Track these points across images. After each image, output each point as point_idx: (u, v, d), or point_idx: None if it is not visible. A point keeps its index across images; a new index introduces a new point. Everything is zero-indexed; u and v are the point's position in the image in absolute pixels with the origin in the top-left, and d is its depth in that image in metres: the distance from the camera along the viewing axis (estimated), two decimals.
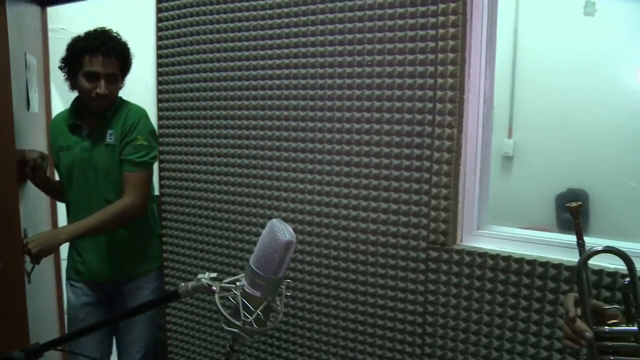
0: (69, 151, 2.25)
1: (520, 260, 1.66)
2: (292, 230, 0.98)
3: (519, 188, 3.64)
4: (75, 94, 2.29)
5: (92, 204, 2.22)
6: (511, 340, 1.69)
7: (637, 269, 1.45)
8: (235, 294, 1.00)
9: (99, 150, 2.23)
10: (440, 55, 1.70)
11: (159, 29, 2.29)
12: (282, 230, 0.97)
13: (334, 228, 1.94)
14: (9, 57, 2.04)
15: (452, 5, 1.67)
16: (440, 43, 1.69)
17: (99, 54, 2.10)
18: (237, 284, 1.01)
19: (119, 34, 2.22)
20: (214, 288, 1.03)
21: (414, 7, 1.73)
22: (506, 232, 1.77)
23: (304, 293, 2.03)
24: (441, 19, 1.69)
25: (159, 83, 2.31)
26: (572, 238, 1.65)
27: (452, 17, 1.67)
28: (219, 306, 1.00)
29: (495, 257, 1.69)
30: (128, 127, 2.24)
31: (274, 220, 0.99)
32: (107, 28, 2.21)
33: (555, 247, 1.66)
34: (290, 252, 0.97)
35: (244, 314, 0.98)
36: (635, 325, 1.13)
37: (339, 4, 1.85)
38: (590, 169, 3.34)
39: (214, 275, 1.06)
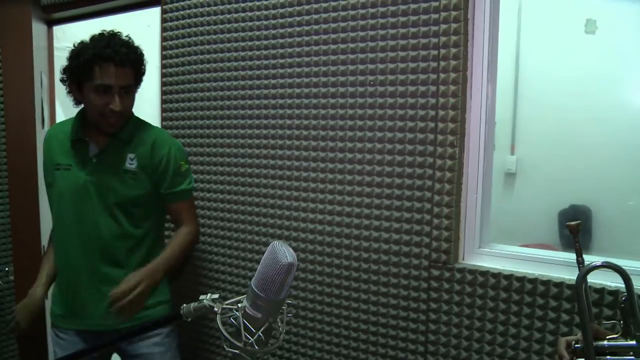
0: (69, 171, 1.90)
1: (521, 279, 1.66)
2: (293, 253, 0.99)
3: (521, 205, 3.64)
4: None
5: (90, 231, 1.88)
6: (513, 358, 1.68)
7: (637, 287, 1.49)
8: (236, 315, 1.00)
9: (113, 174, 1.89)
10: (442, 75, 1.71)
11: (163, 48, 2.31)
12: (283, 252, 0.98)
13: (337, 247, 1.95)
14: (34, 77, 2.10)
15: (453, 25, 1.69)
16: (442, 63, 1.71)
17: (112, 64, 1.77)
18: (239, 305, 1.02)
19: (130, 38, 1.89)
20: (215, 309, 1.04)
21: (416, 28, 1.75)
22: (508, 250, 1.77)
23: (306, 311, 2.03)
24: (443, 39, 1.71)
25: (163, 102, 2.33)
26: (573, 256, 1.64)
27: (453, 37, 1.69)
28: (220, 327, 1.01)
29: (497, 275, 1.69)
30: (165, 157, 1.93)
31: (275, 242, 1.00)
32: (116, 31, 1.91)
33: (556, 265, 1.67)
34: (292, 274, 0.98)
35: (245, 334, 0.99)
36: (634, 340, 1.14)
37: (342, 24, 1.88)
38: (592, 186, 3.34)
39: (215, 296, 1.07)
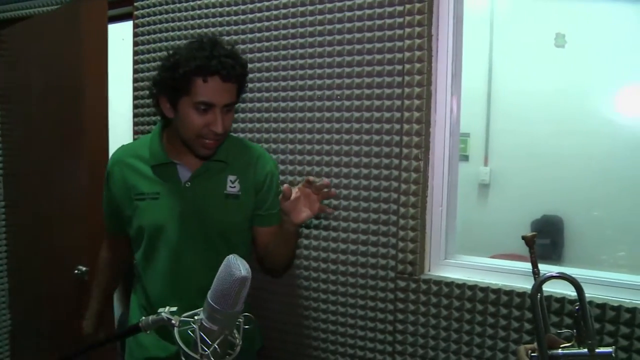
0: (156, 200, 1.62)
1: (485, 289, 1.69)
2: (247, 266, 1.01)
3: (495, 215, 3.69)
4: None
5: (189, 266, 1.66)
6: None
7: (599, 296, 1.53)
8: (194, 327, 1.02)
9: (213, 200, 1.65)
10: (406, 90, 1.75)
11: (135, 62, 2.33)
12: (237, 266, 1.00)
13: (305, 259, 1.97)
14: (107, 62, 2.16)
15: (417, 41, 1.73)
16: (407, 78, 1.75)
17: (218, 78, 1.50)
18: (196, 317, 1.04)
19: (233, 47, 1.61)
20: (173, 322, 1.05)
21: (381, 43, 1.78)
22: (473, 261, 1.81)
23: (275, 322, 2.04)
24: (407, 54, 1.74)
25: (135, 115, 2.34)
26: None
27: (417, 53, 1.73)
28: (177, 340, 1.02)
29: (462, 286, 1.72)
30: (269, 175, 1.73)
31: (231, 256, 1.02)
32: (216, 35, 1.66)
33: (520, 276, 1.70)
34: (246, 287, 0.99)
35: (201, 347, 1.00)
36: (586, 348, 1.17)
37: (309, 39, 1.91)
38: (564, 196, 3.40)
39: (174, 309, 1.09)
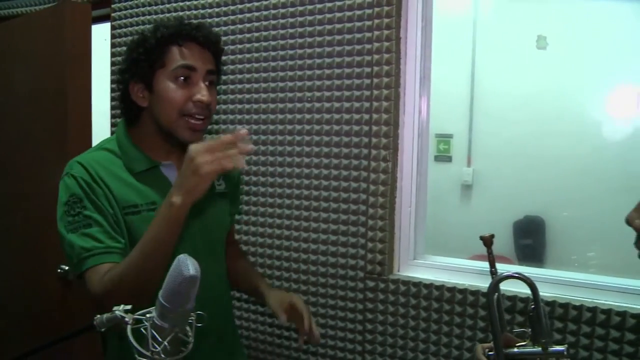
0: (154, 212, 1.33)
1: (452, 289, 1.71)
2: (197, 266, 1.02)
3: (478, 215, 3.72)
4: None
5: (206, 280, 1.33)
6: None
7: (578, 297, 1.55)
8: (146, 325, 1.03)
9: (209, 202, 1.45)
10: (375, 92, 1.77)
11: (112, 64, 2.35)
12: (187, 265, 1.01)
13: (277, 259, 1.99)
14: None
15: (385, 43, 1.75)
16: (375, 80, 1.77)
17: (195, 44, 1.34)
18: (148, 315, 1.05)
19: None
20: (126, 319, 1.07)
21: (350, 46, 1.80)
22: (441, 261, 1.83)
23: (249, 322, 2.06)
24: (375, 56, 1.76)
25: (113, 117, 2.36)
26: (503, 267, 1.73)
27: (385, 55, 1.75)
28: (130, 337, 1.03)
29: (429, 286, 1.74)
30: (238, 175, 1.65)
31: (181, 255, 1.03)
32: None
33: (487, 276, 1.70)
34: (195, 286, 1.01)
35: (152, 344, 1.01)
36: (540, 347, 1.19)
37: (281, 42, 1.93)
38: (546, 196, 3.43)
39: (128, 307, 1.10)
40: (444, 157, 3.81)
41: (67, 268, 2.26)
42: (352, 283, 1.85)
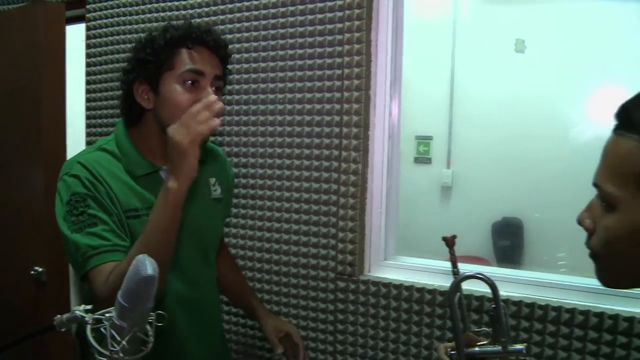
0: None
1: (421, 290, 1.73)
2: (156, 266, 1.03)
3: (457, 217, 3.74)
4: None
5: (195, 289, 1.47)
6: None
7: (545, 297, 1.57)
8: (106, 325, 1.04)
9: (204, 208, 1.47)
10: (345, 94, 1.78)
11: (87, 64, 2.35)
12: (145, 265, 1.01)
13: (248, 260, 1.99)
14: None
15: (356, 46, 1.76)
16: (346, 82, 1.78)
17: (204, 48, 1.32)
18: (107, 315, 1.05)
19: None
20: (86, 319, 1.07)
21: (322, 48, 1.82)
22: (412, 262, 1.84)
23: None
24: (346, 59, 1.78)
25: (87, 117, 2.36)
26: (473, 267, 1.75)
27: (356, 58, 1.76)
28: (89, 337, 1.04)
29: (399, 286, 1.76)
30: (233, 177, 1.67)
31: (140, 255, 1.04)
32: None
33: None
34: (153, 286, 1.01)
35: (111, 343, 1.02)
36: (499, 345, 1.21)
37: (254, 44, 1.94)
38: (524, 198, 3.46)
39: (89, 307, 1.10)
40: (423, 158, 3.84)
41: (40, 270, 2.26)
42: (323, 284, 1.86)
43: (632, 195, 0.75)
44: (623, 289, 0.89)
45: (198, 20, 2.03)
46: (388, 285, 1.77)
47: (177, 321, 1.43)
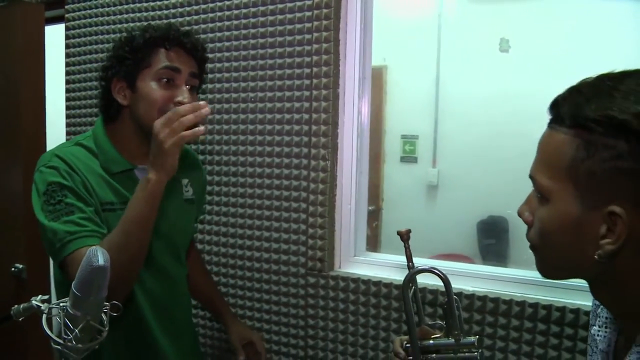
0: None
1: (389, 285, 1.76)
2: (107, 257, 1.06)
3: (443, 215, 3.77)
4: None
5: (165, 287, 1.50)
6: None
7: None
8: (61, 314, 1.07)
9: (175, 208, 1.49)
10: (314, 92, 1.81)
11: (67, 64, 2.37)
12: (97, 256, 1.04)
13: (223, 256, 2.02)
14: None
15: (324, 45, 1.79)
16: (315, 80, 1.81)
17: (181, 49, 1.37)
18: (62, 304, 1.08)
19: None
20: (42, 308, 1.10)
21: (291, 47, 1.84)
22: (381, 258, 1.87)
23: (197, 319, 2.09)
24: (315, 57, 1.80)
25: (67, 117, 2.38)
26: (443, 263, 1.77)
27: (324, 56, 1.79)
28: (44, 326, 1.07)
29: (367, 282, 1.79)
30: (205, 179, 1.73)
31: (92, 247, 1.07)
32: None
33: (425, 273, 1.76)
34: (105, 275, 1.04)
35: (65, 331, 1.05)
36: (452, 338, 1.23)
37: (227, 44, 1.97)
38: (509, 197, 3.46)
39: (46, 297, 1.13)
40: (409, 158, 3.87)
41: (21, 267, 2.29)
42: (293, 279, 1.89)
43: (563, 188, 0.77)
44: (560, 279, 0.91)
45: (173, 20, 2.06)
46: (357, 280, 1.80)
47: (148, 317, 1.46)
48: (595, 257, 0.74)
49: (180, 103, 1.32)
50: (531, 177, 0.86)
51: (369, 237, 3.72)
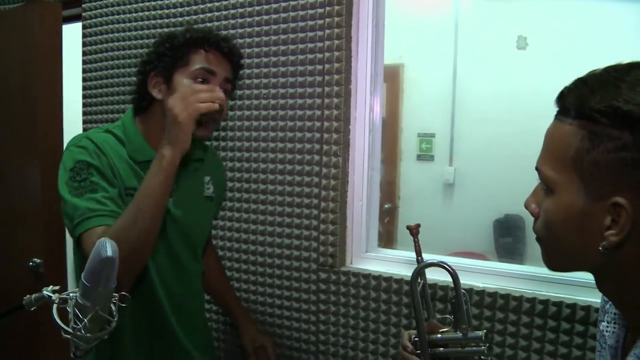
0: None
1: (400, 281, 1.76)
2: (116, 248, 1.07)
3: (459, 214, 3.75)
4: None
5: (181, 282, 1.52)
6: (395, 357, 1.78)
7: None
8: (70, 304, 1.09)
9: (195, 204, 1.54)
10: (326, 89, 1.82)
11: (83, 62, 2.41)
12: (105, 247, 1.06)
13: (237, 251, 2.04)
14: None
15: (336, 42, 1.80)
16: (327, 77, 1.82)
17: (219, 52, 1.42)
18: (72, 295, 1.10)
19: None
20: (53, 298, 1.13)
21: (304, 44, 1.85)
22: (392, 254, 1.87)
23: (210, 313, 2.11)
24: (327, 54, 1.81)
25: (84, 114, 2.42)
26: (454, 259, 1.76)
27: (336, 53, 1.80)
28: (55, 315, 1.09)
29: (378, 278, 1.79)
30: (224, 178, 1.78)
31: (102, 239, 1.09)
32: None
33: (434, 268, 1.75)
34: (113, 266, 1.06)
35: (75, 321, 1.07)
36: (460, 332, 1.23)
37: (240, 41, 1.98)
38: (525, 196, 3.44)
39: (57, 287, 1.16)
40: (426, 156, 3.85)
41: (38, 261, 2.33)
42: (305, 275, 1.90)
43: (568, 179, 0.77)
44: (566, 271, 0.90)
45: (188, 18, 2.08)
46: (368, 276, 1.80)
47: (166, 308, 1.49)
48: (600, 248, 0.74)
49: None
50: (537, 168, 0.85)
51: (385, 233, 3.73)
